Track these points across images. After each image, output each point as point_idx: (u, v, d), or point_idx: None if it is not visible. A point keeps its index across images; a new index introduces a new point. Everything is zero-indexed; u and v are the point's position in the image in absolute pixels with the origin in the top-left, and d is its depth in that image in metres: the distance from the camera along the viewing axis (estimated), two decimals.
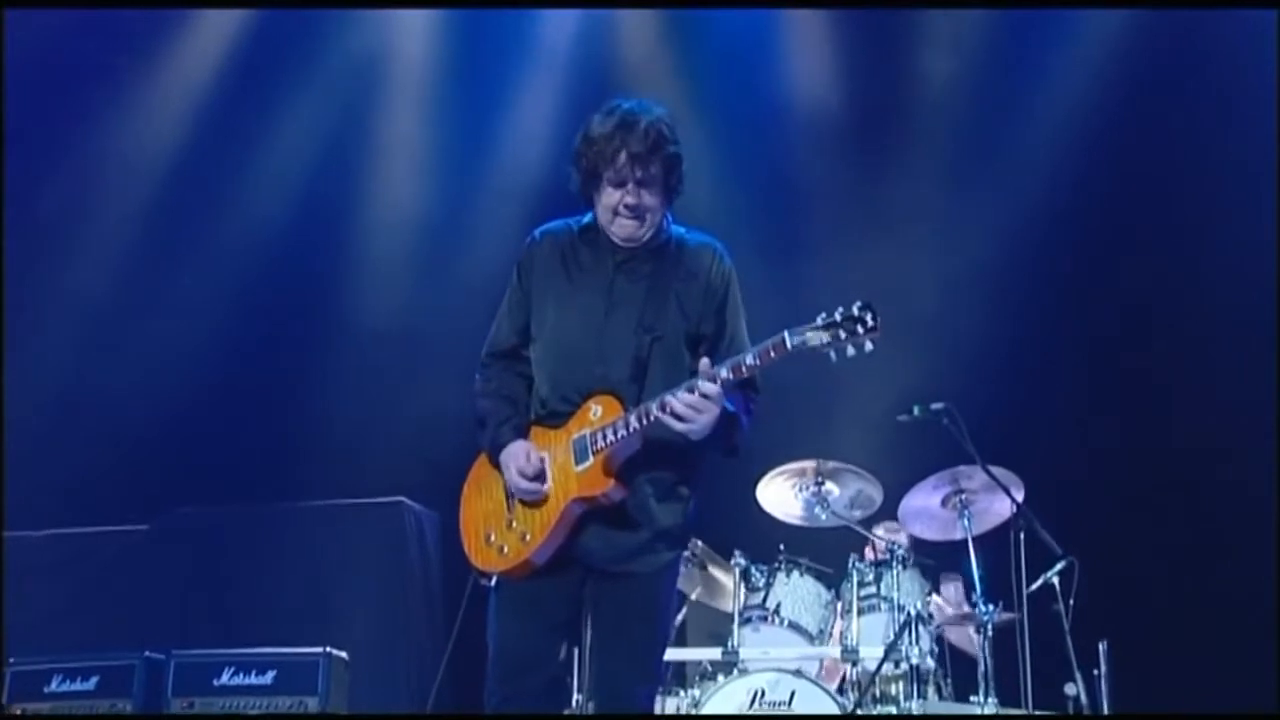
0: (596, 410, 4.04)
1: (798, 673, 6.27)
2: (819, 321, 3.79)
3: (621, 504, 4.05)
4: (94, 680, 7.29)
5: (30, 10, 8.67)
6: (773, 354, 3.87)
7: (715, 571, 7.03)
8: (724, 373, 3.90)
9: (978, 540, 6.72)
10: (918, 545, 7.19)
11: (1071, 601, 6.74)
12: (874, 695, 6.51)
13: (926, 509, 6.93)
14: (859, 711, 6.21)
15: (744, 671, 6.39)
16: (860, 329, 3.75)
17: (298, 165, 9.13)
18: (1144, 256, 8.06)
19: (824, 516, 6.94)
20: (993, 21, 8.64)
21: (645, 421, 3.94)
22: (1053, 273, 8.24)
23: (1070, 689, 6.71)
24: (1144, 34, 8.32)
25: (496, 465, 4.18)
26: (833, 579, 6.89)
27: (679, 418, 3.88)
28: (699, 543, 7.06)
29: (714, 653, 6.59)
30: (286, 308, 9.02)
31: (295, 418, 8.78)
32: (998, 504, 6.71)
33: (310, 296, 9.07)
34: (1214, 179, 7.97)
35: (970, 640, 6.93)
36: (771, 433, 7.78)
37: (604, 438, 3.98)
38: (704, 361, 3.93)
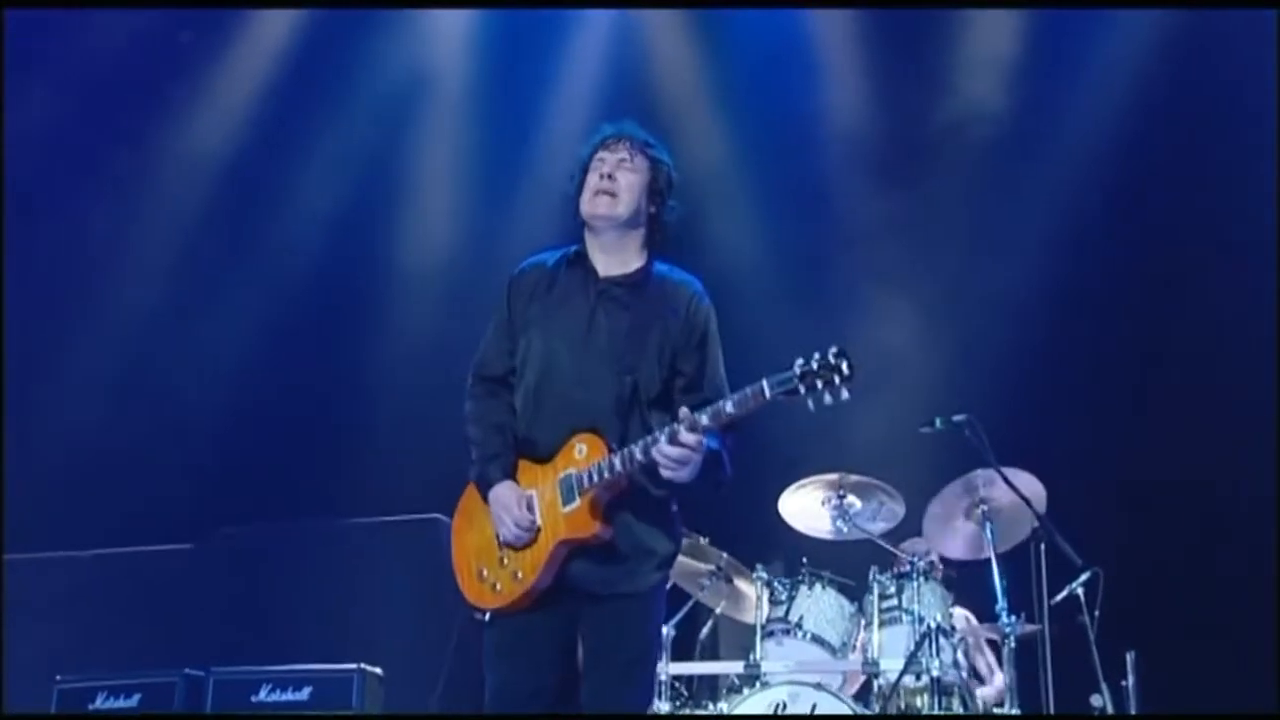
0: (581, 449, 4.09)
1: (818, 685, 6.25)
2: (796, 370, 3.81)
3: (615, 540, 4.09)
4: (136, 697, 7.39)
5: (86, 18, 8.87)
6: (752, 403, 3.90)
7: (741, 584, 7.02)
8: (705, 420, 3.94)
9: (1002, 552, 6.70)
10: (945, 561, 7.18)
11: (1097, 612, 6.72)
12: (898, 707, 6.50)
13: (951, 524, 6.86)
14: None
15: (766, 684, 6.39)
16: (837, 378, 3.76)
17: (339, 183, 9.24)
18: (1167, 267, 7.99)
19: (846, 530, 6.92)
20: (1020, 31, 8.63)
21: (629, 465, 3.99)
22: (1079, 283, 8.17)
23: (1096, 700, 6.66)
24: (1171, 48, 8.27)
25: (486, 499, 4.23)
26: (856, 592, 6.85)
27: (666, 467, 3.93)
28: (724, 555, 7.07)
29: (736, 666, 6.60)
30: (325, 326, 9.11)
31: (334, 436, 8.87)
32: (1022, 515, 6.66)
33: (349, 314, 9.16)
34: (1238, 189, 7.89)
35: (984, 660, 6.92)
36: (794, 446, 7.84)
37: (589, 479, 4.03)
38: (684, 410, 3.97)
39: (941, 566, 7.02)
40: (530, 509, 4.12)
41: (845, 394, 3.79)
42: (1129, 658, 6.73)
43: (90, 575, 8.59)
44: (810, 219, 8.80)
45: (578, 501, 4.04)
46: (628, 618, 4.13)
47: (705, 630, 7.24)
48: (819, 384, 3.78)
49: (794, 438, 7.18)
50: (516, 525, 4.09)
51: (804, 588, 6.77)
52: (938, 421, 6.56)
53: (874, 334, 8.13)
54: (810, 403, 3.82)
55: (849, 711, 6.16)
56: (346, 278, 9.16)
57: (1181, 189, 8.07)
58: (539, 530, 4.10)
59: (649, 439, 3.96)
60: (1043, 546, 6.34)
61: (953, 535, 6.91)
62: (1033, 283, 8.19)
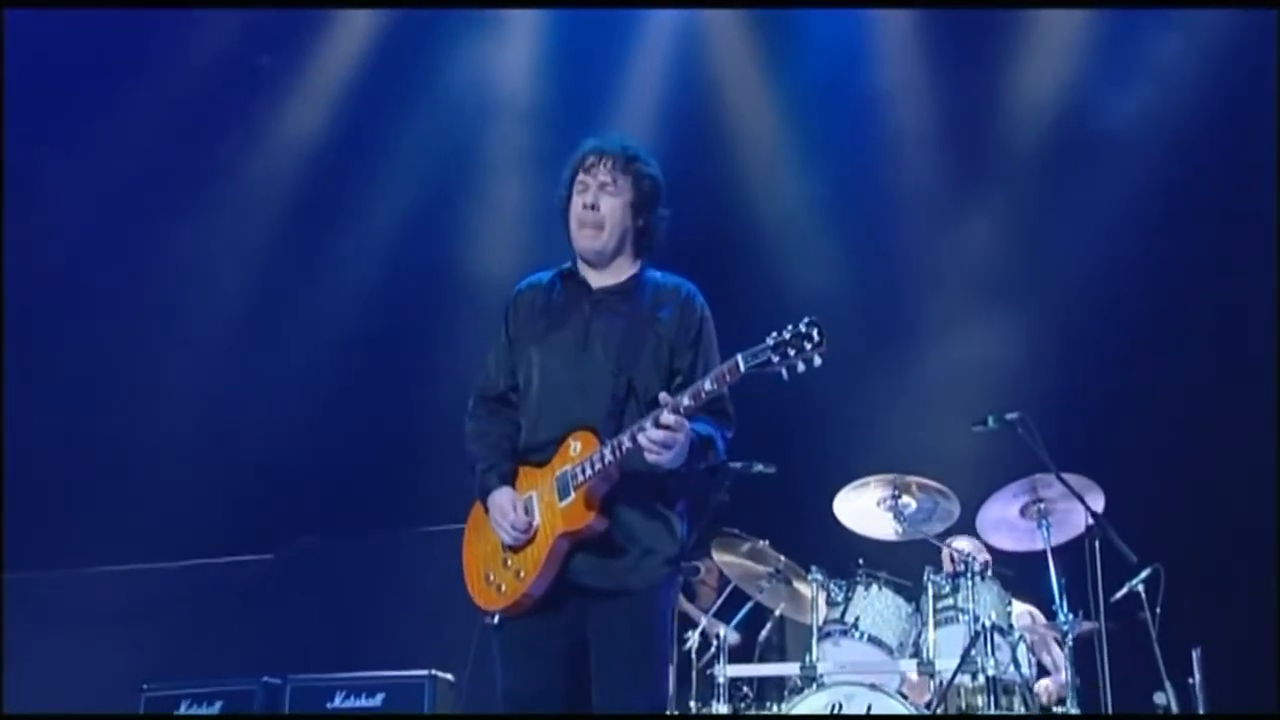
0: (576, 446, 4.13)
1: (873, 686, 6.19)
2: (769, 342, 3.82)
3: (608, 530, 4.11)
4: (218, 705, 7.55)
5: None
6: (728, 377, 3.91)
7: (800, 586, 6.97)
8: (686, 400, 3.95)
9: (1060, 550, 6.62)
10: (998, 557, 7.10)
11: (1158, 609, 6.60)
12: (957, 707, 6.42)
13: (1005, 519, 6.77)
14: None
15: (822, 685, 6.35)
16: (808, 344, 3.77)
17: (408, 197, 9.37)
18: (1226, 264, 7.82)
19: (901, 530, 6.86)
20: (1074, 38, 8.52)
21: (619, 454, 4.01)
22: (1137, 282, 8.04)
23: (1159, 698, 6.53)
24: (1228, 56, 8.11)
25: (486, 508, 4.28)
26: (913, 592, 6.76)
27: (650, 450, 3.94)
28: (782, 558, 7.04)
29: (793, 667, 6.56)
30: (401, 338, 9.23)
31: (408, 447, 8.97)
32: (1077, 513, 6.54)
33: (424, 326, 9.27)
34: None
35: (1050, 657, 6.81)
36: (849, 447, 7.80)
37: (583, 472, 4.06)
38: (663, 395, 3.98)
39: (991, 562, 6.96)
40: (528, 511, 4.16)
41: (818, 360, 3.81)
42: (1195, 655, 6.62)
43: (178, 585, 8.80)
44: (882, 238, 8.74)
45: (573, 495, 4.08)
46: (633, 614, 4.13)
47: (765, 632, 7.22)
48: (791, 352, 3.79)
49: (847, 439, 7.15)
50: (514, 527, 4.14)
51: (860, 588, 6.69)
52: (990, 420, 6.49)
53: (931, 335, 8.07)
54: (784, 371, 3.83)
55: (902, 710, 6.10)
56: (421, 291, 9.27)
57: (1244, 193, 7.90)
58: (538, 529, 4.14)
59: (636, 426, 3.98)
60: (1098, 544, 6.24)
61: (1007, 532, 6.84)
62: (1093, 283, 8.05)
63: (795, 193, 8.87)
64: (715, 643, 6.82)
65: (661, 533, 4.20)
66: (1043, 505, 6.64)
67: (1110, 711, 6.14)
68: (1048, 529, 6.59)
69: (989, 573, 6.65)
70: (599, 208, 4.30)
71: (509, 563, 4.20)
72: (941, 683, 6.33)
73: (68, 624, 8.31)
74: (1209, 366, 7.86)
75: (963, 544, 7.13)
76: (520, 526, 4.15)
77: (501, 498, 4.20)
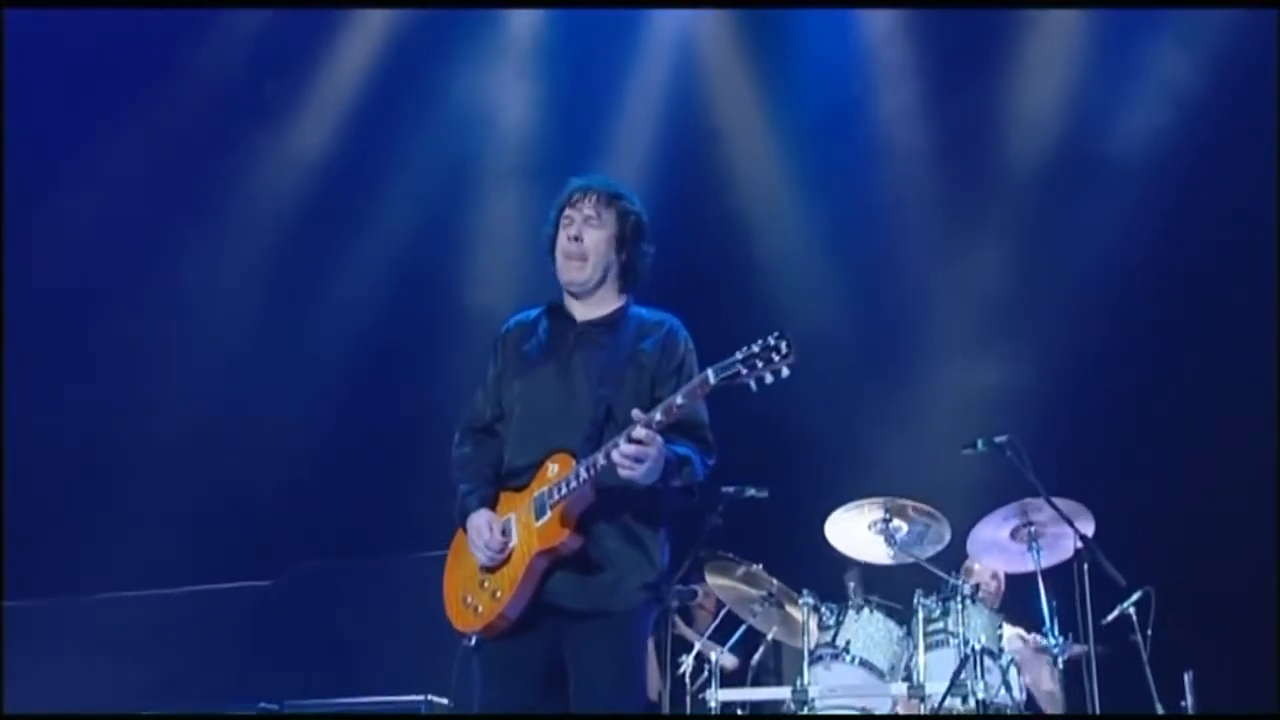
0: (553, 468, 4.19)
1: (864, 710, 6.21)
2: (739, 355, 3.89)
3: (585, 551, 4.14)
4: None
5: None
6: (699, 391, 3.98)
7: (793, 610, 6.97)
8: (658, 415, 4.00)
9: (1051, 573, 6.62)
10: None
11: (1149, 632, 6.60)
12: None
13: (996, 542, 6.75)
14: None
15: (813, 709, 6.35)
16: (776, 356, 3.83)
17: (410, 225, 9.40)
18: (1217, 289, 7.82)
19: (893, 553, 6.86)
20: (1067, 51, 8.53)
21: (594, 472, 4.05)
22: (1127, 307, 8.03)
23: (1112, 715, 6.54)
24: (1222, 73, 8.11)
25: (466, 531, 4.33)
26: (904, 615, 6.76)
27: (622, 465, 3.98)
28: (775, 582, 7.05)
29: (784, 692, 6.57)
30: (402, 362, 9.26)
31: (405, 473, 8.98)
32: (1067, 536, 6.51)
33: (421, 354, 9.29)
34: None
35: (1046, 679, 6.81)
36: (842, 471, 7.80)
37: (558, 491, 4.11)
38: (636, 411, 4.02)
39: (1003, 591, 6.98)
40: (505, 532, 4.20)
41: (785, 371, 3.87)
42: (1187, 678, 6.62)
43: (176, 611, 8.80)
44: (877, 264, 8.75)
45: (549, 514, 4.13)
46: (610, 638, 4.15)
47: (758, 655, 7.22)
48: (759, 364, 3.85)
49: (840, 463, 7.16)
50: (488, 547, 4.18)
51: (852, 612, 6.69)
52: (979, 443, 6.51)
53: (924, 359, 8.08)
54: (752, 383, 3.89)
55: None
56: (417, 318, 9.30)
57: (1241, 221, 7.90)
58: (515, 549, 4.19)
59: (610, 443, 4.04)
60: (1086, 567, 6.23)
61: (998, 554, 6.85)
62: (1084, 308, 8.06)
63: (791, 216, 8.90)
64: (707, 667, 6.83)
65: (639, 558, 4.23)
66: (1033, 528, 6.64)
67: None
68: (1038, 552, 6.59)
69: (979, 596, 6.66)
70: (583, 239, 4.38)
71: (486, 584, 4.24)
72: (932, 707, 6.33)
73: (65, 650, 8.32)
74: (1202, 390, 7.85)
75: (979, 569, 7.14)
76: (495, 547, 4.19)
77: (479, 519, 4.24)
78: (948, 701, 6.20)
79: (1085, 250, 8.23)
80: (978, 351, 8.22)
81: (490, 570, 4.21)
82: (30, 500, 8.81)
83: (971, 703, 6.17)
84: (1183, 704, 6.59)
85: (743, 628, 7.28)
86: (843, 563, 7.15)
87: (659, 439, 4.00)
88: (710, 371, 3.94)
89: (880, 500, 6.86)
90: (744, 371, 3.86)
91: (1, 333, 8.95)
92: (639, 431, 3.96)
